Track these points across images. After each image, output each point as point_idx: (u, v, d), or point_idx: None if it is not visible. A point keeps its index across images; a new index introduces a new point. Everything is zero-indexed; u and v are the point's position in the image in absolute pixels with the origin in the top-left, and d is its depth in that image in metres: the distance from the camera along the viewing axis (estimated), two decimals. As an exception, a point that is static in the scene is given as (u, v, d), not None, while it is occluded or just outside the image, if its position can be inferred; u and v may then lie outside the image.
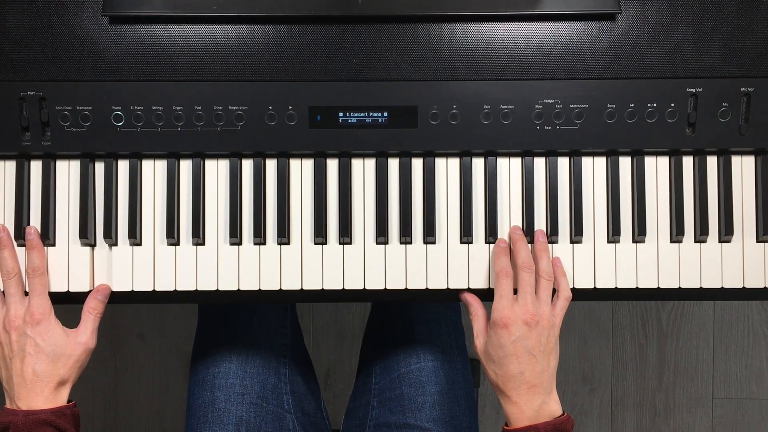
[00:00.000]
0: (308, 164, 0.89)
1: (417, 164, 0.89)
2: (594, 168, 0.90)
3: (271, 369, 0.99)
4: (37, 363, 0.81)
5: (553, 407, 0.82)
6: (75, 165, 0.88)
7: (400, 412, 1.00)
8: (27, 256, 0.85)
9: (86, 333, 0.85)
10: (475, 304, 0.87)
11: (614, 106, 0.87)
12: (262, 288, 0.88)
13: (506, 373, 0.82)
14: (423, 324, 1.04)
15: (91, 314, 0.85)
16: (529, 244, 0.88)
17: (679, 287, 0.89)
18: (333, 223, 0.89)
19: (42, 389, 0.81)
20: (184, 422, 0.98)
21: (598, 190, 0.90)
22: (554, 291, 0.86)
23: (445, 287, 0.89)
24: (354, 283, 0.88)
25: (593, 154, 0.89)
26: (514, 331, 0.81)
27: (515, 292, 0.85)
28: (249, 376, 0.96)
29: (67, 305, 0.88)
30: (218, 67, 0.87)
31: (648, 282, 0.89)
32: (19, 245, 0.87)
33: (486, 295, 0.89)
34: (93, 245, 0.88)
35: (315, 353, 1.68)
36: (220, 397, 0.95)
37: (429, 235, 0.88)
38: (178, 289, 0.88)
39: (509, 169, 0.89)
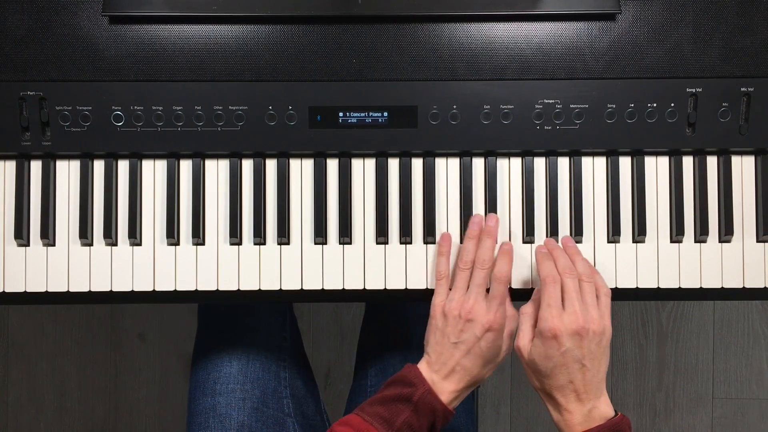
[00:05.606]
0: (308, 164, 0.89)
1: (417, 164, 0.89)
2: (594, 168, 0.90)
3: (271, 373, 0.98)
4: (474, 363, 0.82)
5: (603, 410, 0.78)
6: (75, 165, 0.88)
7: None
8: (498, 259, 0.84)
9: (508, 348, 0.85)
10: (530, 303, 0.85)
11: (614, 106, 0.87)
12: (262, 288, 0.88)
13: (554, 384, 0.79)
14: (418, 326, 1.04)
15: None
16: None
17: (679, 287, 0.89)
18: (333, 223, 0.89)
19: (459, 381, 0.82)
20: (185, 427, 0.97)
21: (598, 190, 0.90)
22: None
23: (445, 287, 0.89)
24: (354, 283, 0.88)
25: (593, 154, 0.89)
26: (564, 342, 0.78)
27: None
28: (250, 380, 0.96)
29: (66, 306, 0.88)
30: (218, 67, 0.87)
31: (648, 282, 0.89)
32: (19, 245, 0.87)
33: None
34: (93, 245, 0.88)
35: (315, 354, 1.68)
36: (221, 402, 0.94)
37: (429, 235, 0.88)
38: (178, 289, 0.88)
39: (509, 169, 0.89)
